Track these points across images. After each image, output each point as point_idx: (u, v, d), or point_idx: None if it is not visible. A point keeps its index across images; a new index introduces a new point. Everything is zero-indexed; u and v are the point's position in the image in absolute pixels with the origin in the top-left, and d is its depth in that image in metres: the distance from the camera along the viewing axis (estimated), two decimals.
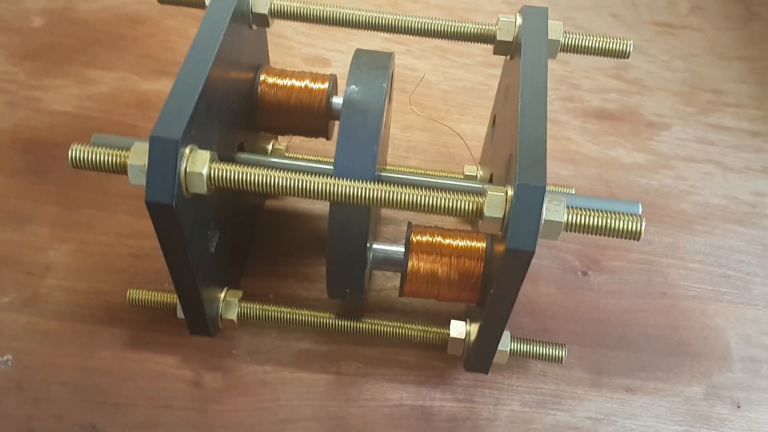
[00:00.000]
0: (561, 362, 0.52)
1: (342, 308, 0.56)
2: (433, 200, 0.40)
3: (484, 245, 0.46)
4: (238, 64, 0.49)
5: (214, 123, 0.45)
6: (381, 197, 0.40)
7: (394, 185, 0.40)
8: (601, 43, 0.49)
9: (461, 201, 0.40)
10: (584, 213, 0.40)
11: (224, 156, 0.48)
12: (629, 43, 0.49)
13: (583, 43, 0.49)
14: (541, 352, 0.52)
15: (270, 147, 0.62)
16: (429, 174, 0.58)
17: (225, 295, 0.53)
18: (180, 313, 0.52)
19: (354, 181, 0.40)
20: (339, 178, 0.40)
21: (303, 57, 0.76)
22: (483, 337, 0.47)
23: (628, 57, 0.50)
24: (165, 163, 0.39)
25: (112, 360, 0.53)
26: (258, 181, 0.40)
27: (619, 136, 0.72)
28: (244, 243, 0.58)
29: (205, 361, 0.54)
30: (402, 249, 0.47)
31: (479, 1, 0.84)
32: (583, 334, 0.57)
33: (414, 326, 0.53)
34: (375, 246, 0.48)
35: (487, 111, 0.73)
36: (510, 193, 0.39)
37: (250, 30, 0.52)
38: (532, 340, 0.52)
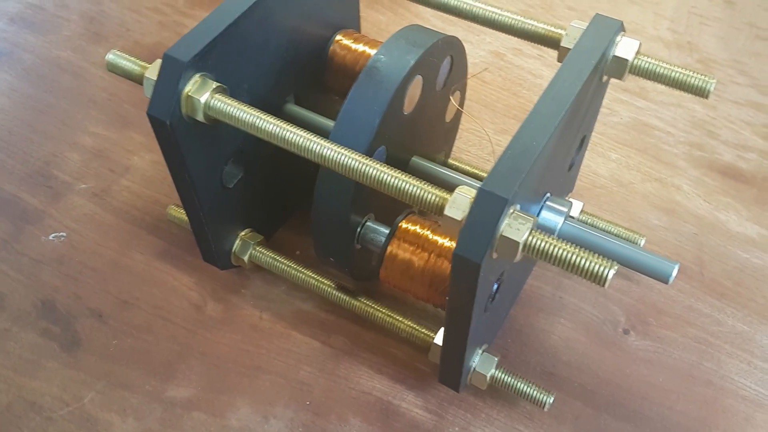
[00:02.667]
0: (543, 407, 0.47)
1: (350, 283, 0.56)
2: (399, 184, 0.38)
3: None
4: (307, 17, 0.50)
5: (251, 63, 0.46)
6: (352, 168, 0.39)
7: (372, 162, 0.39)
8: (677, 75, 0.43)
9: (427, 192, 0.38)
10: (548, 241, 0.35)
11: (265, 101, 0.49)
12: (711, 81, 0.42)
13: (656, 70, 0.43)
14: (524, 390, 0.47)
15: None
16: (460, 169, 0.55)
17: (244, 235, 0.55)
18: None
19: (335, 146, 0.40)
20: (324, 140, 0.40)
21: None
22: (446, 347, 0.44)
23: (707, 97, 0.43)
24: (169, 82, 0.41)
25: (140, 263, 0.58)
26: (249, 122, 0.41)
27: (739, 200, 0.62)
28: (286, 199, 0.59)
29: (213, 291, 0.56)
30: (385, 230, 0.46)
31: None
32: (593, 393, 0.51)
33: (404, 320, 0.51)
34: (369, 223, 0.47)
35: None
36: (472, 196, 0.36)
37: None
38: (519, 375, 0.48)
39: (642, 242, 0.56)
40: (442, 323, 0.52)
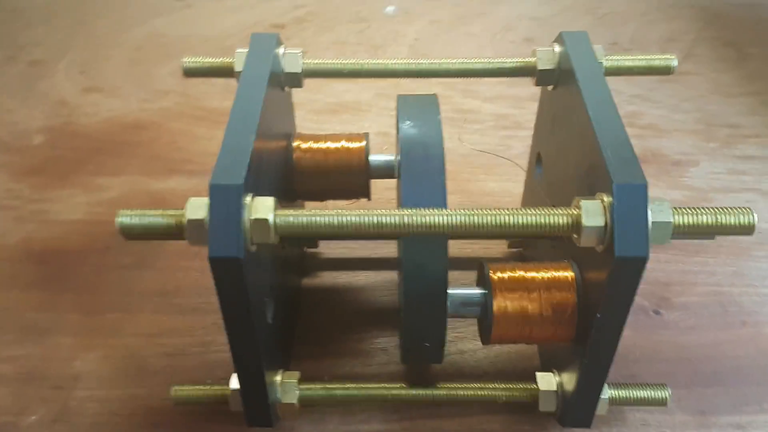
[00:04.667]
0: (665, 404, 0.47)
1: (408, 380, 0.51)
2: (522, 219, 0.37)
3: (572, 274, 0.42)
4: (276, 132, 0.47)
5: (263, 190, 0.42)
6: (462, 222, 0.36)
7: (469, 209, 0.37)
8: (644, 63, 0.48)
9: (553, 216, 0.37)
10: (692, 212, 0.36)
11: None
12: (672, 57, 0.48)
13: (626, 64, 0.48)
14: (642, 395, 0.47)
15: None
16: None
17: (282, 378, 0.47)
18: (234, 405, 0.46)
19: (430, 209, 0.37)
20: (414, 209, 0.37)
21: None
22: (585, 380, 0.42)
23: (672, 72, 0.48)
24: (229, 212, 0.35)
25: None
26: (328, 222, 0.37)
27: (649, 176, 0.69)
28: (290, 322, 0.53)
29: None
30: (478, 291, 0.43)
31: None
32: (672, 375, 0.52)
33: (497, 385, 0.48)
34: (449, 291, 0.43)
35: (511, 168, 0.71)
36: (606, 198, 0.36)
37: (281, 94, 0.50)
38: (630, 384, 0.47)
39: None
40: (512, 378, 0.50)
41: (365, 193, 0.53)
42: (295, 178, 0.52)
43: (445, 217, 0.37)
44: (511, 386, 0.47)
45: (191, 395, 0.47)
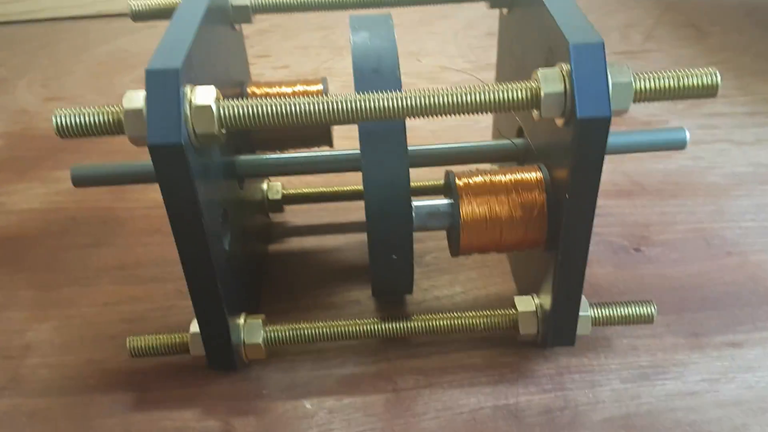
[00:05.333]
0: (652, 320, 0.44)
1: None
2: (480, 96, 0.35)
3: (540, 174, 0.40)
4: (227, 75, 0.45)
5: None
6: (419, 104, 0.35)
7: (425, 90, 0.35)
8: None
9: (511, 90, 0.35)
10: (653, 76, 0.35)
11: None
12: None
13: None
14: (626, 312, 0.44)
15: (265, 186, 0.57)
16: None
17: (246, 319, 0.44)
18: (195, 349, 0.43)
19: (385, 93, 0.35)
20: (368, 93, 0.35)
21: None
22: (562, 286, 0.40)
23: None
24: (167, 97, 0.33)
25: (118, 426, 0.43)
26: (276, 111, 0.35)
27: None
28: (254, 271, 0.51)
29: (231, 408, 0.44)
30: (445, 200, 0.41)
31: None
32: (660, 303, 0.49)
33: (474, 314, 0.45)
34: (414, 203, 0.41)
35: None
36: (565, 66, 0.34)
37: (232, 34, 0.49)
38: (613, 303, 0.44)
39: None
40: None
41: (326, 140, 0.52)
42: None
43: (401, 100, 0.35)
44: (489, 313, 0.45)
45: (148, 345, 0.44)
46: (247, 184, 0.50)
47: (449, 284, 0.52)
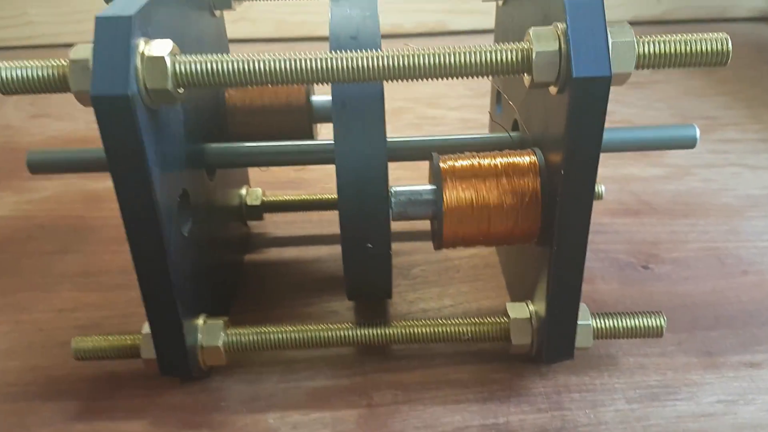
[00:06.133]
0: (660, 334, 0.39)
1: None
2: (466, 57, 0.31)
3: (535, 159, 0.36)
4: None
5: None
6: (400, 64, 0.31)
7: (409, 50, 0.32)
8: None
9: (501, 52, 0.31)
10: (659, 39, 0.31)
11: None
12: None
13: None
14: (631, 324, 0.39)
15: (244, 192, 0.53)
16: None
17: (204, 321, 0.40)
18: (146, 352, 0.38)
19: (362, 51, 0.32)
20: (344, 51, 0.32)
21: None
22: (558, 286, 0.35)
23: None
24: (116, 47, 0.30)
25: None
26: (237, 68, 0.31)
27: (625, 158, 0.65)
28: (223, 275, 0.46)
29: (183, 420, 0.39)
30: (428, 186, 0.37)
31: None
32: (670, 321, 0.44)
33: (461, 321, 0.40)
34: (394, 188, 0.37)
35: None
36: (561, 25, 0.31)
37: (212, 21, 0.46)
38: (617, 313, 0.40)
39: (602, 188, 0.54)
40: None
41: (308, 137, 0.48)
42: (227, 119, 0.47)
43: (377, 59, 0.31)
44: (477, 321, 0.40)
45: (96, 347, 0.39)
46: (221, 182, 0.46)
47: (437, 297, 0.47)
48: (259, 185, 0.55)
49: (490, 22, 0.50)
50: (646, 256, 0.51)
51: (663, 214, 0.56)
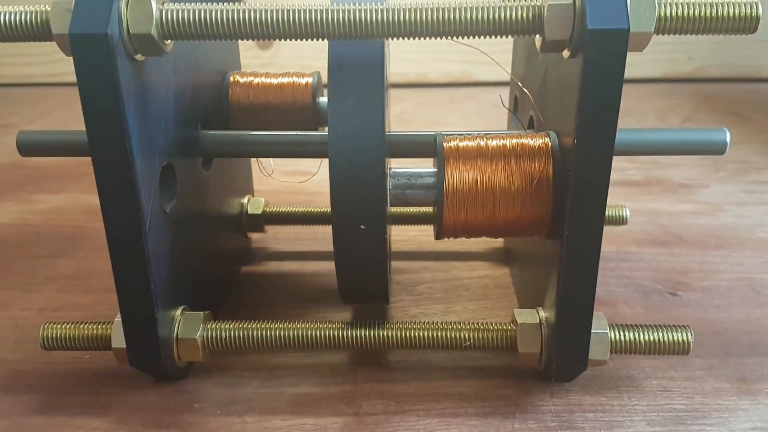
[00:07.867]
0: (687, 351, 0.35)
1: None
2: (471, 14, 0.29)
3: (547, 140, 0.33)
4: (208, 63, 0.41)
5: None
6: (404, 19, 0.29)
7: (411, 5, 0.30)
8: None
9: (511, 9, 0.29)
10: (683, 1, 0.29)
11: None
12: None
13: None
14: (654, 338, 0.35)
15: (246, 200, 0.51)
16: None
17: (182, 312, 0.36)
18: (116, 341, 0.35)
19: (364, 4, 0.30)
20: (344, 4, 0.30)
21: None
22: (569, 281, 0.31)
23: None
24: None
25: (10, 428, 0.34)
26: (227, 18, 0.29)
27: (655, 195, 0.62)
28: (212, 272, 0.43)
29: (149, 420, 0.35)
30: (429, 169, 0.34)
31: None
32: (699, 345, 0.40)
33: (462, 325, 0.36)
34: (393, 170, 0.34)
35: None
36: None
37: None
38: (639, 325, 0.35)
39: (627, 212, 0.50)
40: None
41: (313, 124, 0.46)
42: (230, 117, 0.45)
43: (377, 13, 0.29)
44: (481, 326, 0.36)
45: (65, 335, 0.36)
46: (220, 182, 0.44)
47: (442, 313, 0.44)
48: (263, 196, 0.52)
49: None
50: (674, 284, 0.47)
51: (693, 245, 0.52)
